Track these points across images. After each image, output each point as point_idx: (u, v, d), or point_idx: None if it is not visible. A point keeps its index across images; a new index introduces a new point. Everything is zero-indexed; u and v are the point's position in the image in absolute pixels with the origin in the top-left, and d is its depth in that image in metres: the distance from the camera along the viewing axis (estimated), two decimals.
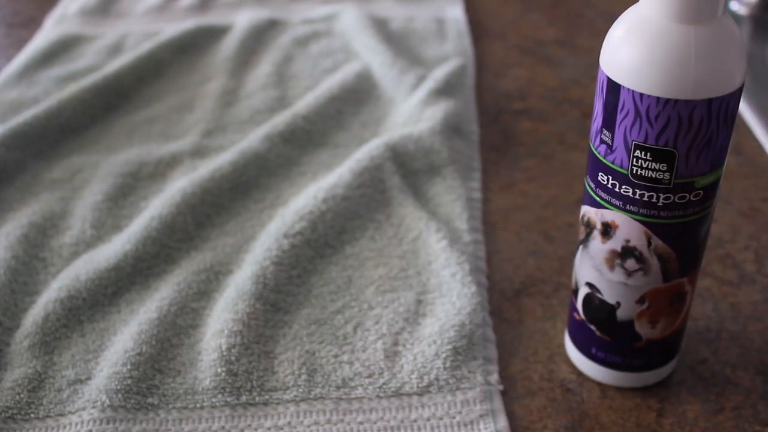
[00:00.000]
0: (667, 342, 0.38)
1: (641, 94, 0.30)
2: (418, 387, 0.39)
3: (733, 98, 0.31)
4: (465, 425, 0.38)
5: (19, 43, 0.76)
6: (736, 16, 0.77)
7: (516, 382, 0.40)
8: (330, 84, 0.65)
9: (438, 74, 0.64)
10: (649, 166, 0.32)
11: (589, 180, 0.35)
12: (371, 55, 0.69)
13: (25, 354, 0.42)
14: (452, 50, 0.71)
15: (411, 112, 0.60)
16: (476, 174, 0.56)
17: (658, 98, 0.30)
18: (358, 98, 0.64)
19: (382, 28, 0.74)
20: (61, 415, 0.39)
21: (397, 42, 0.72)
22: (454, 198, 0.52)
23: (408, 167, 0.55)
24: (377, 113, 0.63)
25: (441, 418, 0.38)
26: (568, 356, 0.41)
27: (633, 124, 0.31)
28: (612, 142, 0.32)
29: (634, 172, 0.32)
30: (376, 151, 0.54)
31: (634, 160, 0.32)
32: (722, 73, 0.30)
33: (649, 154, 0.31)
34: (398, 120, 0.61)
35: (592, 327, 0.38)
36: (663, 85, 0.30)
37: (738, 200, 0.53)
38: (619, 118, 0.31)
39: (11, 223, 0.51)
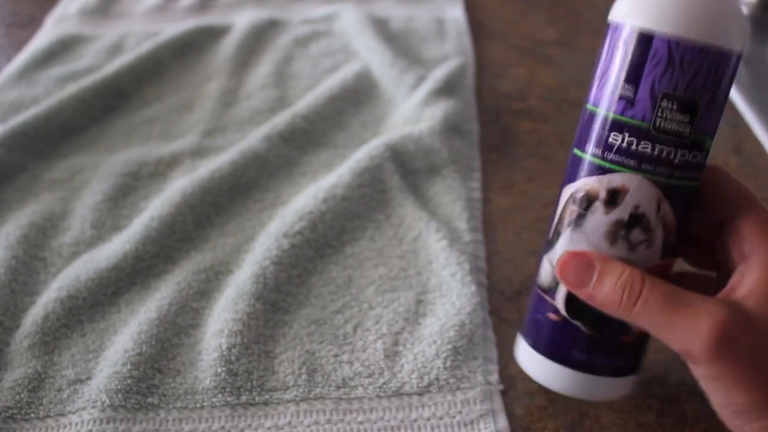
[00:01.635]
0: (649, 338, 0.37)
1: (678, 41, 0.31)
2: (418, 387, 0.39)
3: (740, 59, 0.33)
4: (465, 425, 0.38)
5: (19, 43, 0.76)
6: None
7: (516, 382, 0.40)
8: (330, 84, 0.65)
9: (438, 74, 0.64)
10: (674, 117, 0.32)
11: (592, 147, 0.34)
12: (371, 55, 0.69)
13: (25, 354, 0.42)
14: (452, 50, 0.71)
15: (411, 112, 0.60)
16: (476, 174, 0.56)
17: (693, 45, 0.31)
18: (358, 98, 0.64)
19: (382, 28, 0.74)
20: (61, 415, 0.39)
21: (397, 42, 0.72)
22: (454, 198, 0.52)
23: (408, 167, 0.55)
24: (377, 113, 0.63)
25: (441, 418, 0.38)
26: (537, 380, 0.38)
27: (664, 72, 0.32)
28: (635, 95, 0.33)
29: (658, 124, 0.33)
30: (376, 151, 0.54)
31: (660, 111, 0.32)
32: (743, 29, 0.33)
33: (675, 104, 0.32)
34: (398, 120, 0.61)
35: (577, 323, 0.36)
36: (700, 29, 0.31)
37: None
38: (648, 67, 0.32)
39: (11, 223, 0.51)
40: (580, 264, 0.33)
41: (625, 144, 0.33)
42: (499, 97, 0.66)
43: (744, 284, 0.32)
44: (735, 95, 0.64)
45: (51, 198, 0.54)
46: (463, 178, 0.54)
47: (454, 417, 0.38)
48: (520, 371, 0.41)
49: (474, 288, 0.44)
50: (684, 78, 0.32)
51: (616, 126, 0.33)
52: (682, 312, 0.31)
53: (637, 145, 0.33)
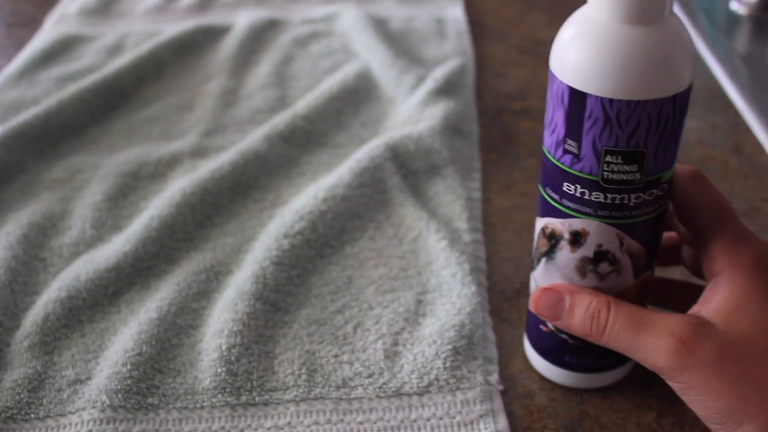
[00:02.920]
0: None
1: (611, 100, 0.30)
2: (418, 387, 0.39)
3: (690, 90, 0.31)
4: (465, 425, 0.38)
5: (19, 43, 0.76)
6: (736, 16, 0.77)
7: (516, 382, 0.40)
8: (330, 84, 0.65)
9: (438, 74, 0.64)
10: (621, 169, 0.32)
11: (549, 191, 0.34)
12: (371, 55, 0.69)
13: (25, 354, 0.42)
14: (452, 50, 0.71)
15: (411, 112, 0.60)
16: (476, 174, 0.56)
17: (628, 102, 0.30)
18: (358, 98, 0.64)
19: (382, 28, 0.74)
20: (61, 415, 0.39)
21: (397, 42, 0.72)
22: (454, 198, 0.52)
23: (408, 167, 0.55)
24: (377, 113, 0.63)
25: (441, 418, 0.38)
26: (539, 372, 0.41)
27: (603, 130, 0.31)
28: (579, 151, 0.32)
29: (606, 177, 0.32)
30: (376, 151, 0.54)
31: (605, 165, 0.32)
32: (683, 68, 0.31)
33: (620, 157, 0.31)
34: (398, 120, 0.61)
35: (564, 336, 0.38)
36: (633, 87, 0.30)
37: (738, 200, 0.53)
38: (586, 126, 0.31)
39: (11, 223, 0.51)
40: (550, 298, 0.36)
41: (578, 194, 0.33)
42: (499, 97, 0.66)
43: (713, 301, 0.33)
44: (735, 95, 0.65)
45: (51, 198, 0.54)
46: (463, 178, 0.54)
47: (454, 417, 0.38)
48: (520, 371, 0.41)
49: (474, 288, 0.44)
50: (624, 133, 0.31)
51: (568, 177, 0.33)
52: (644, 333, 0.33)
53: (589, 195, 0.33)
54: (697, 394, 0.32)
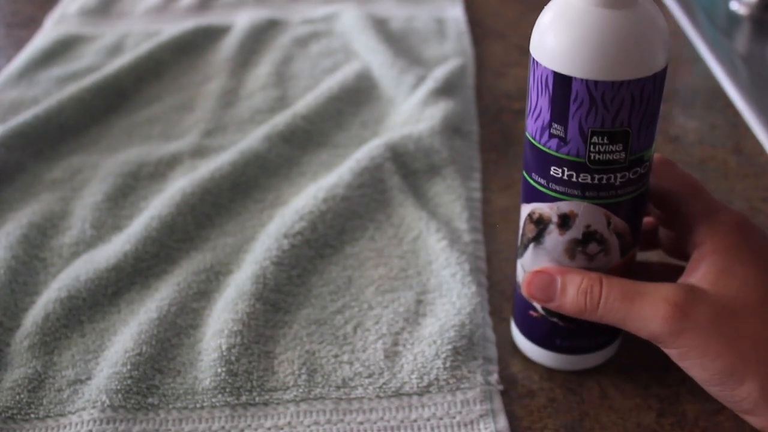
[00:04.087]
0: None
1: (596, 82, 0.31)
2: (418, 387, 0.39)
3: (666, 70, 0.33)
4: (465, 425, 0.38)
5: (19, 43, 0.76)
6: (736, 16, 0.77)
7: (516, 382, 0.40)
8: (330, 84, 0.65)
9: (438, 74, 0.64)
10: (607, 149, 0.33)
11: (535, 177, 0.35)
12: (371, 55, 0.69)
13: (25, 354, 0.42)
14: (452, 50, 0.71)
15: (411, 112, 0.60)
16: (476, 174, 0.56)
17: (612, 82, 0.31)
18: (358, 98, 0.64)
19: (382, 28, 0.74)
20: (61, 415, 0.39)
21: (397, 42, 0.72)
22: (454, 198, 0.52)
23: (408, 167, 0.55)
24: (377, 113, 0.63)
25: (441, 418, 0.38)
26: (529, 358, 0.41)
27: (589, 112, 0.32)
28: (565, 134, 0.33)
29: (592, 158, 0.33)
30: (376, 151, 0.54)
31: (592, 146, 0.33)
32: (661, 48, 0.32)
33: (606, 137, 0.32)
34: (398, 120, 0.61)
35: (555, 320, 0.38)
36: (616, 68, 0.31)
37: (738, 200, 0.53)
38: (572, 109, 0.32)
39: (11, 223, 0.51)
40: (542, 280, 0.36)
41: (565, 177, 0.34)
42: (499, 97, 0.66)
43: (699, 269, 0.34)
44: (735, 95, 0.65)
45: (51, 198, 0.54)
46: (463, 178, 0.54)
47: (454, 417, 0.38)
48: (520, 371, 0.41)
49: (474, 288, 0.44)
50: (609, 114, 0.32)
51: (554, 161, 0.34)
52: (639, 301, 0.34)
53: (577, 177, 0.34)
54: (696, 357, 0.33)
